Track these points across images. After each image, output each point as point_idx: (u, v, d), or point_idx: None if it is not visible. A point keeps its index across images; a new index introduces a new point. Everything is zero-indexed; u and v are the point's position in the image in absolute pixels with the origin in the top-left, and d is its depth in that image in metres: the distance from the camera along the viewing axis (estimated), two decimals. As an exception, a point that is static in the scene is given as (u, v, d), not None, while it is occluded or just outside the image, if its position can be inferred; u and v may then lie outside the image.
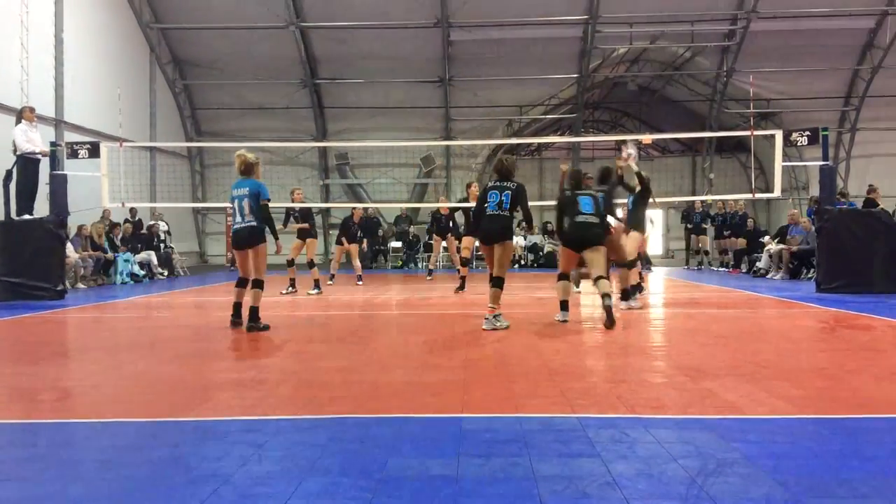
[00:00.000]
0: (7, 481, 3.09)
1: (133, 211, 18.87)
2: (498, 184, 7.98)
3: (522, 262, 22.33)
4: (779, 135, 12.41)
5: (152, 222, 19.53)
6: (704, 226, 20.25)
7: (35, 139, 11.84)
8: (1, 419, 4.25)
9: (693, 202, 21.44)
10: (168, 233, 20.53)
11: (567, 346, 6.65)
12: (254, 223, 7.88)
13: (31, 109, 12.18)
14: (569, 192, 8.44)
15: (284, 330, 8.17)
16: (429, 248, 20.65)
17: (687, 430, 3.70)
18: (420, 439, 3.60)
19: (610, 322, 7.56)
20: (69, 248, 13.64)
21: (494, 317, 7.68)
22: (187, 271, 20.33)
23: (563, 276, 8.38)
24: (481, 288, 12.85)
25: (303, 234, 13.07)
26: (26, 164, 11.73)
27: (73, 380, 5.44)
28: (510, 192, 7.84)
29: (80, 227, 15.66)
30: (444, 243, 16.12)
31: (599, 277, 7.99)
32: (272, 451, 3.43)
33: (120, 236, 17.40)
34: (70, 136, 16.69)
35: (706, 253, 20.61)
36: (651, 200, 10.32)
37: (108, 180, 12.78)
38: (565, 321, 8.12)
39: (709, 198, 20.72)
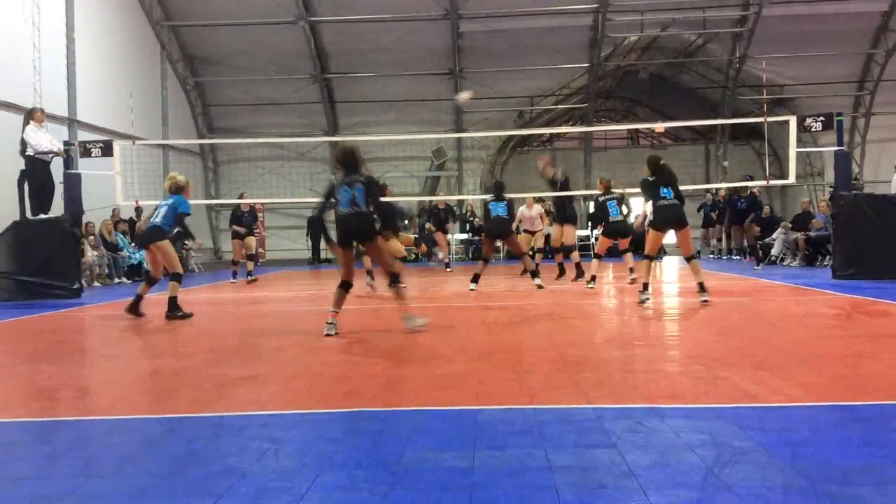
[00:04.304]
0: (26, 479, 3.11)
1: (139, 210, 18.62)
2: (346, 178, 7.15)
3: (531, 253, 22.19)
4: (793, 121, 12.30)
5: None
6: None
7: (42, 140, 11.81)
8: (20, 417, 4.29)
9: (717, 190, 21.19)
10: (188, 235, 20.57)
11: (581, 337, 6.64)
12: (159, 224, 8.86)
13: (41, 111, 12.21)
14: (652, 178, 9.06)
15: (298, 325, 8.21)
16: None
17: (702, 419, 3.69)
18: (435, 432, 3.61)
19: None
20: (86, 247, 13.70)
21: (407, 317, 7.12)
22: (201, 268, 20.44)
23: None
24: (491, 280, 12.86)
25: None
26: (35, 165, 11.77)
27: (90, 377, 5.48)
28: (361, 185, 7.08)
29: (86, 225, 15.52)
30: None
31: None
32: (288, 445, 3.45)
33: (131, 234, 17.44)
34: (83, 135, 16.78)
35: (728, 238, 20.39)
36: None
37: (122, 178, 12.86)
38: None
39: (723, 185, 20.55)
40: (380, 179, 25.08)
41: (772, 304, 8.93)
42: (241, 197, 15.25)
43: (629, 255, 12.29)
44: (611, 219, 11.67)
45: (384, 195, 12.03)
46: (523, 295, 10.82)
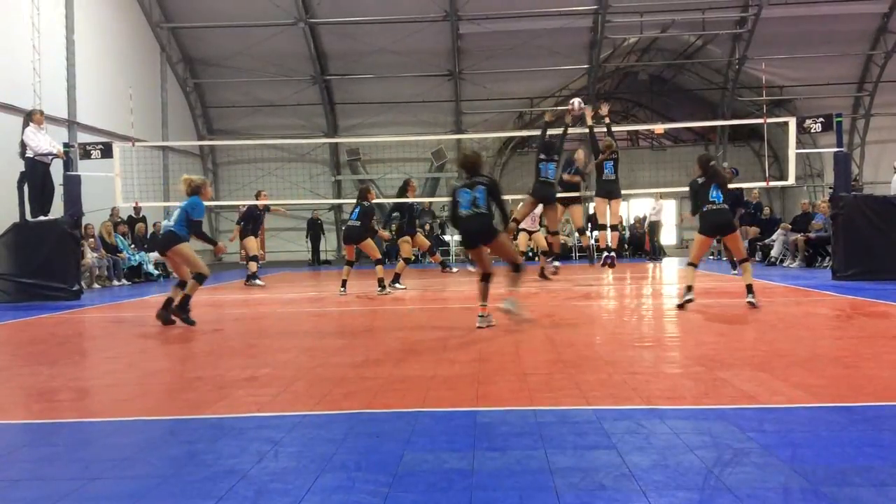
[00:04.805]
0: (26, 481, 3.11)
1: (137, 209, 18.60)
2: (468, 181, 7.45)
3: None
4: (792, 122, 12.32)
5: (155, 221, 19.34)
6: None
7: (41, 142, 11.83)
8: (19, 419, 4.30)
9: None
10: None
11: (581, 339, 6.63)
12: (172, 228, 8.46)
13: (41, 113, 12.22)
14: (701, 179, 8.52)
15: (298, 326, 8.21)
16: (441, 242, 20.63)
17: (703, 421, 3.69)
18: (435, 433, 3.60)
19: None
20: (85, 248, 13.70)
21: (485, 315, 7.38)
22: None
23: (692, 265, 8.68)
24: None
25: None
26: (35, 167, 11.79)
27: (90, 379, 5.47)
28: (483, 186, 7.32)
29: (86, 227, 15.55)
30: None
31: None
32: (288, 447, 3.45)
33: (130, 235, 17.45)
34: (83, 137, 16.80)
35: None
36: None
37: (121, 180, 12.87)
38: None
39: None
40: (379, 181, 25.13)
41: (772, 305, 8.92)
42: (258, 195, 15.23)
43: (615, 234, 12.05)
44: (604, 177, 11.75)
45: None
46: (523, 296, 10.80)
